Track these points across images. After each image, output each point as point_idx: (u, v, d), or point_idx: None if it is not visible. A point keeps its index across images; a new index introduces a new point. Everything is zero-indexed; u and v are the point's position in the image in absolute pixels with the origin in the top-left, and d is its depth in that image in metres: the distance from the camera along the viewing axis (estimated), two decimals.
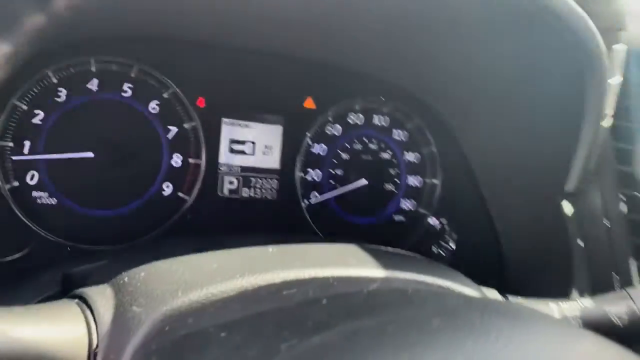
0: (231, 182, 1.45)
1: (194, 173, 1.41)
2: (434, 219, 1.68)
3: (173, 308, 0.78)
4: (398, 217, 1.65)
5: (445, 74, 1.44)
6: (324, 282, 0.84)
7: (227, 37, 1.37)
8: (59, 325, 0.78)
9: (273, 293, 0.80)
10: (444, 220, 1.69)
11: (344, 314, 0.69)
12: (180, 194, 1.39)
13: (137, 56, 1.32)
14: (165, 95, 1.37)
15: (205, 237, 1.15)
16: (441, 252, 1.69)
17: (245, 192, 1.46)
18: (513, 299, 1.15)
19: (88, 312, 0.82)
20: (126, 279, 0.88)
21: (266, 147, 1.47)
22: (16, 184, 1.25)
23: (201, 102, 1.40)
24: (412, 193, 1.66)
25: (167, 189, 1.39)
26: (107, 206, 1.34)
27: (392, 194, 1.64)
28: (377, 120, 1.61)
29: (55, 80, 1.26)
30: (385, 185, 1.63)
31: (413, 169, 1.66)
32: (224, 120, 1.43)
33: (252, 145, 1.46)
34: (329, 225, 1.56)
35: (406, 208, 1.66)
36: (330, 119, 1.54)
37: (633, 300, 1.08)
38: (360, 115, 1.59)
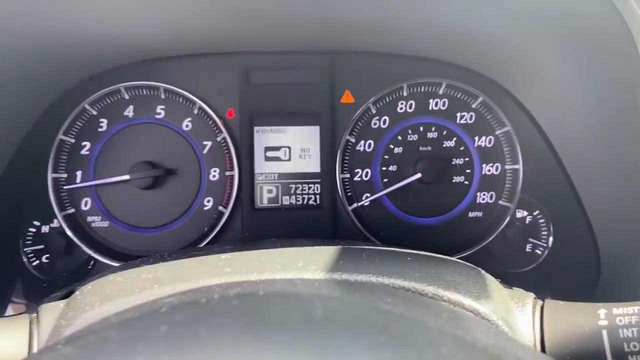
0: (269, 191, 1.40)
1: (231, 185, 1.39)
2: (522, 211, 1.40)
3: (82, 320, 0.77)
4: (474, 214, 1.41)
5: (499, 36, 1.20)
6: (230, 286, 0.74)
7: (244, 44, 1.34)
8: (2, 339, 0.81)
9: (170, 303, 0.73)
10: (535, 213, 1.40)
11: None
12: (220, 207, 1.39)
13: (160, 78, 1.37)
14: (195, 112, 1.39)
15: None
16: (537, 250, 1.40)
17: (286, 200, 1.40)
18: (551, 301, 0.88)
19: (35, 326, 0.84)
20: (77, 293, 0.89)
21: (303, 150, 1.39)
22: (72, 210, 1.37)
23: (231, 114, 1.39)
24: (489, 183, 1.41)
25: (208, 203, 1.40)
26: (154, 225, 1.39)
27: (464, 187, 1.41)
28: (434, 104, 1.41)
29: (95, 112, 1.37)
30: (454, 178, 1.41)
31: (487, 155, 1.41)
32: (256, 128, 1.39)
33: (288, 150, 1.39)
34: (387, 229, 1.40)
35: (483, 202, 1.42)
36: (373, 111, 1.40)
37: None
38: (411, 102, 1.41)
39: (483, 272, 0.93)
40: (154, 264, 0.93)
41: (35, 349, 0.81)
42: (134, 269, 0.92)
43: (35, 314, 0.87)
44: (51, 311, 0.85)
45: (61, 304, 0.88)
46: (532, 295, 0.91)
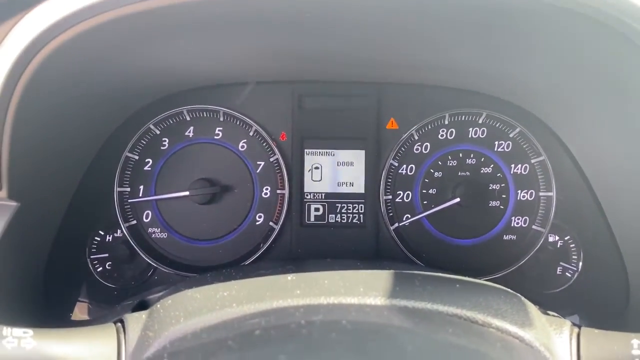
0: (317, 209, 1.50)
1: (282, 203, 1.50)
2: (554, 236, 1.49)
3: (170, 332, 0.88)
4: (508, 237, 1.50)
5: (538, 77, 1.28)
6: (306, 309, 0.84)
7: (298, 75, 1.44)
8: (93, 345, 0.92)
9: (251, 322, 0.84)
10: (567, 238, 1.48)
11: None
12: (271, 223, 1.50)
13: (219, 102, 1.48)
14: (250, 134, 1.49)
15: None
16: (567, 273, 1.48)
17: (332, 218, 1.50)
18: (586, 329, 0.97)
19: (122, 335, 0.95)
20: (158, 306, 1.00)
21: None
22: (134, 222, 1.49)
23: (283, 136, 1.49)
24: (524, 209, 1.50)
25: (260, 219, 1.50)
26: (209, 237, 1.50)
27: (500, 211, 1.50)
28: (473, 133, 1.50)
29: (158, 132, 1.49)
30: (491, 202, 1.50)
31: (522, 182, 1.50)
32: (306, 150, 1.49)
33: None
34: (426, 249, 1.50)
35: (517, 226, 1.50)
36: (415, 137, 1.49)
37: None
38: (452, 130, 1.50)
39: (524, 299, 1.02)
40: (226, 282, 1.04)
41: (123, 357, 0.91)
42: (208, 285, 1.02)
43: (120, 324, 0.98)
44: (136, 322, 0.96)
45: (143, 315, 0.98)
46: (568, 322, 0.99)
